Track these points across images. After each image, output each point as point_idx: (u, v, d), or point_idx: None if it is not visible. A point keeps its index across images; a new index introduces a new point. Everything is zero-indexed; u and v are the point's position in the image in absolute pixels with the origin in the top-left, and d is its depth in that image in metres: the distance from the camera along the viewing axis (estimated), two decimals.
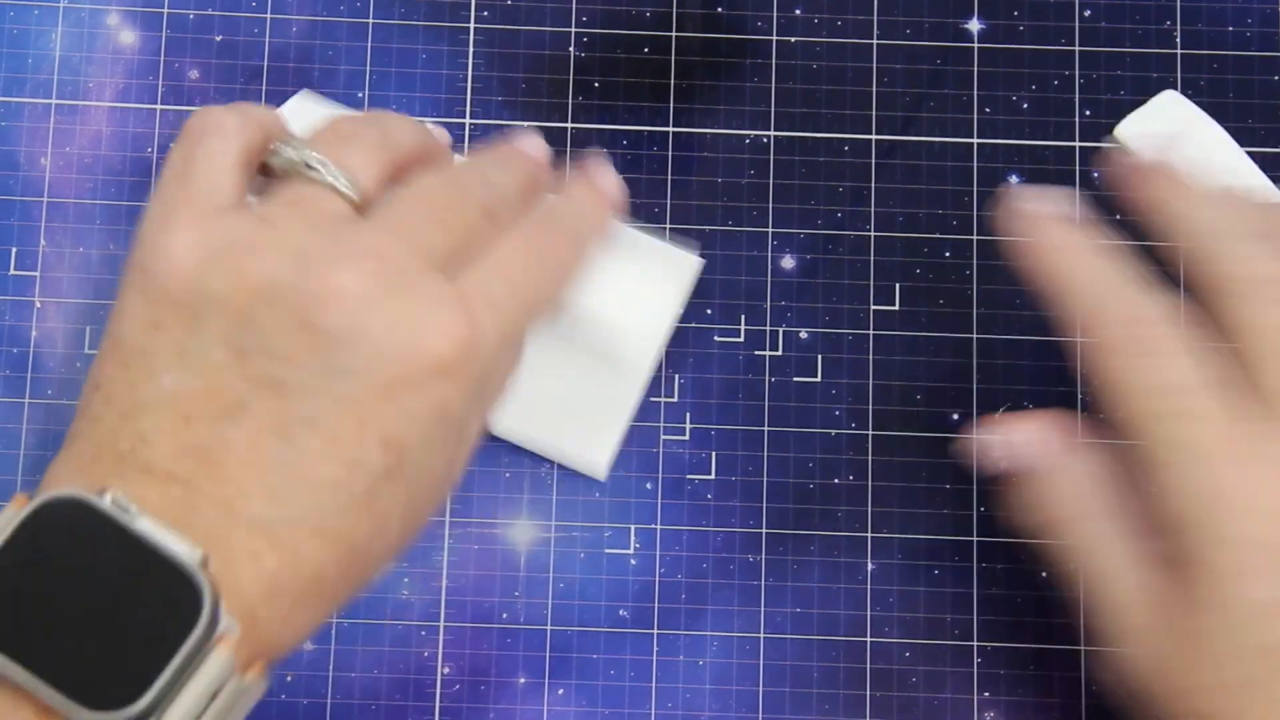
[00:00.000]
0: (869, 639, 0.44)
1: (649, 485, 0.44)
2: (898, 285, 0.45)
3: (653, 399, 0.45)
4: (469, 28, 0.46)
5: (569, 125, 0.46)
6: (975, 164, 0.46)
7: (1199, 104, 0.45)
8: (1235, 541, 0.31)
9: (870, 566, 0.44)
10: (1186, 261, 0.35)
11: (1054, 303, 0.36)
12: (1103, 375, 0.34)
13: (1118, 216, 0.46)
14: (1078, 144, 0.46)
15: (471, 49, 0.46)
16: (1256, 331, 0.33)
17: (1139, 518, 0.35)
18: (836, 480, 0.44)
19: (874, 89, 0.46)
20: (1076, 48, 0.46)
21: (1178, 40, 0.46)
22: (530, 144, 0.39)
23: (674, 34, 0.46)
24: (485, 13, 0.46)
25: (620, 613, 0.44)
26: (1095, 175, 0.46)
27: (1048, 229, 0.36)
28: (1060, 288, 0.36)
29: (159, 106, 0.46)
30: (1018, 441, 0.37)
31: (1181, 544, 0.32)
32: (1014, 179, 0.46)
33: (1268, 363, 0.33)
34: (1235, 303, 0.34)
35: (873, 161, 0.46)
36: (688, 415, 0.45)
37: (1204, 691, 0.32)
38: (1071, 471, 0.36)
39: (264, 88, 0.46)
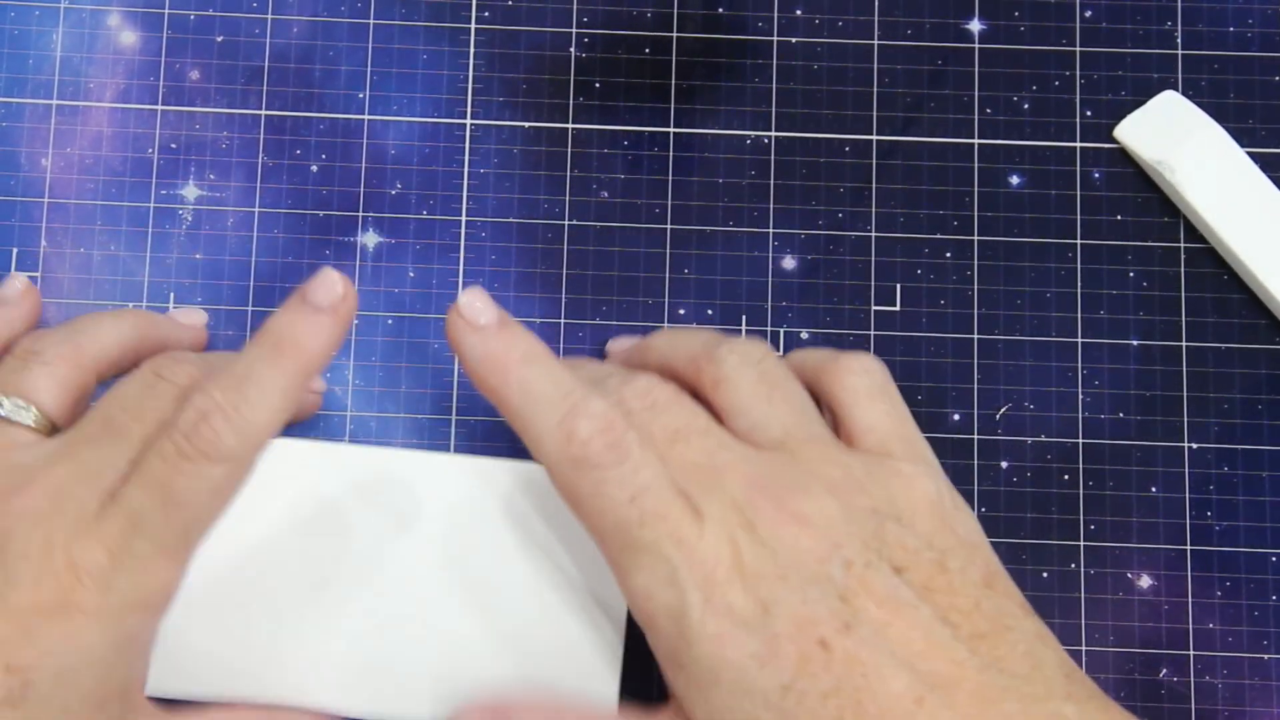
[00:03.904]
0: None
1: None
2: (898, 286, 0.45)
3: None
4: (470, 28, 0.46)
5: (570, 126, 0.46)
6: (976, 164, 0.46)
7: (1200, 105, 0.45)
8: (703, 619, 0.32)
9: None
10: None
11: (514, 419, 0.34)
12: (569, 490, 0.33)
13: (1118, 217, 0.46)
14: (1078, 144, 0.46)
15: (472, 49, 0.46)
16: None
17: None
18: None
19: (875, 89, 0.46)
20: (1077, 48, 0.46)
21: (1178, 41, 0.46)
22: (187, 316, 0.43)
23: (675, 34, 0.46)
24: (486, 13, 0.46)
25: None
26: (1096, 176, 0.46)
27: (485, 340, 0.35)
28: (513, 402, 0.34)
29: (160, 107, 0.46)
30: None
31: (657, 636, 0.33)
32: (1014, 179, 0.46)
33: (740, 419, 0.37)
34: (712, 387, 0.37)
35: (873, 162, 0.46)
36: None
37: None
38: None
39: (264, 88, 0.46)
